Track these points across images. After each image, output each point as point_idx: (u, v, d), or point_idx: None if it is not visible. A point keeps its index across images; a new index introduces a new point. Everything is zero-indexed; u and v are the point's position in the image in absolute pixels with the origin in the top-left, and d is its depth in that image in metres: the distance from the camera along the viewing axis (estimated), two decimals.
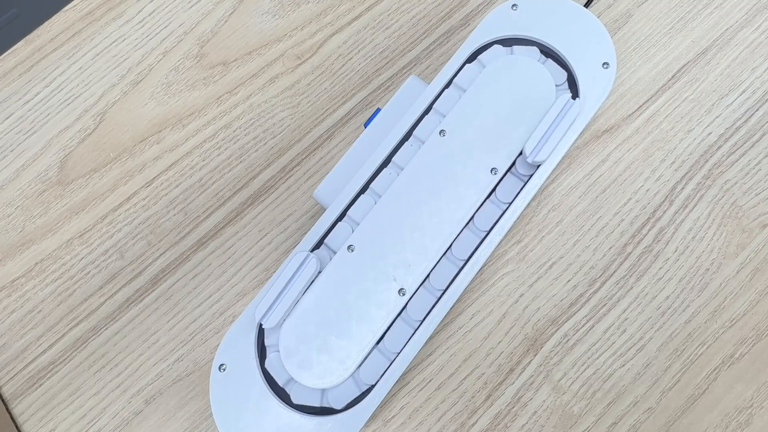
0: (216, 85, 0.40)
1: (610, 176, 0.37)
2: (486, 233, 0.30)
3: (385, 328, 0.29)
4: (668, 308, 0.35)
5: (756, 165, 0.37)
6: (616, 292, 0.35)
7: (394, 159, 0.32)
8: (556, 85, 0.32)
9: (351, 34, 0.40)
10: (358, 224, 0.30)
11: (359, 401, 0.28)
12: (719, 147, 0.37)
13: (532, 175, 0.31)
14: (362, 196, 0.31)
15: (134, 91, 0.40)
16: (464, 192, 0.30)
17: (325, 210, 0.31)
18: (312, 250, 0.30)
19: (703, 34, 0.39)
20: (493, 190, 0.31)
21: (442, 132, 0.31)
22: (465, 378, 0.34)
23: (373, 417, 0.33)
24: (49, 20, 0.41)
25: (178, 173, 0.38)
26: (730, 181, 0.37)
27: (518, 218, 0.34)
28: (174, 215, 0.38)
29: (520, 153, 0.31)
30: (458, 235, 0.30)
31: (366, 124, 0.33)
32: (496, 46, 0.33)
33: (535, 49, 0.33)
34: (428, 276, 0.30)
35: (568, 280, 0.36)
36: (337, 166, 0.32)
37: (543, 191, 0.37)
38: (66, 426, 0.34)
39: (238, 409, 0.28)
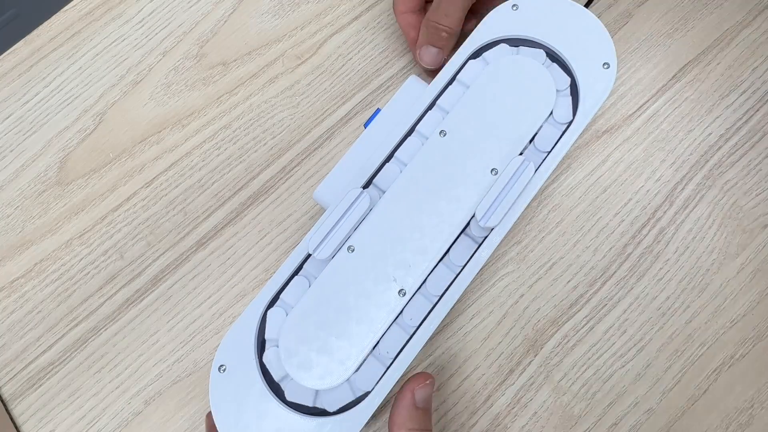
0: (216, 85, 0.40)
1: (611, 177, 0.37)
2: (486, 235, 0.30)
3: (385, 328, 0.29)
4: (669, 309, 0.35)
5: (756, 165, 0.37)
6: (617, 293, 0.35)
7: (394, 157, 0.32)
8: (557, 90, 0.32)
9: (351, 34, 0.40)
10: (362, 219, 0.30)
11: (359, 401, 0.28)
12: (719, 147, 0.37)
13: (531, 178, 0.31)
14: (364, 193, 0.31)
15: (134, 91, 0.40)
16: (464, 192, 0.30)
17: (324, 210, 0.31)
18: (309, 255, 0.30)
19: (703, 34, 0.39)
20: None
21: (442, 132, 0.31)
22: (465, 379, 0.34)
23: (374, 417, 0.33)
24: (49, 20, 0.41)
25: (178, 173, 0.38)
26: (731, 181, 0.37)
27: (518, 219, 0.34)
28: (174, 215, 0.38)
29: (521, 153, 0.31)
30: (458, 235, 0.30)
31: (366, 125, 0.33)
32: (502, 45, 0.33)
33: (540, 52, 0.32)
34: (428, 276, 0.30)
35: (569, 281, 0.36)
36: (337, 167, 0.32)
37: (543, 191, 0.37)
38: (66, 426, 0.34)
39: (238, 410, 0.28)
